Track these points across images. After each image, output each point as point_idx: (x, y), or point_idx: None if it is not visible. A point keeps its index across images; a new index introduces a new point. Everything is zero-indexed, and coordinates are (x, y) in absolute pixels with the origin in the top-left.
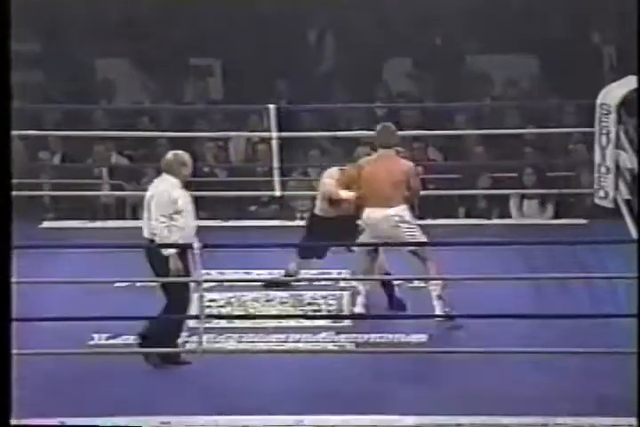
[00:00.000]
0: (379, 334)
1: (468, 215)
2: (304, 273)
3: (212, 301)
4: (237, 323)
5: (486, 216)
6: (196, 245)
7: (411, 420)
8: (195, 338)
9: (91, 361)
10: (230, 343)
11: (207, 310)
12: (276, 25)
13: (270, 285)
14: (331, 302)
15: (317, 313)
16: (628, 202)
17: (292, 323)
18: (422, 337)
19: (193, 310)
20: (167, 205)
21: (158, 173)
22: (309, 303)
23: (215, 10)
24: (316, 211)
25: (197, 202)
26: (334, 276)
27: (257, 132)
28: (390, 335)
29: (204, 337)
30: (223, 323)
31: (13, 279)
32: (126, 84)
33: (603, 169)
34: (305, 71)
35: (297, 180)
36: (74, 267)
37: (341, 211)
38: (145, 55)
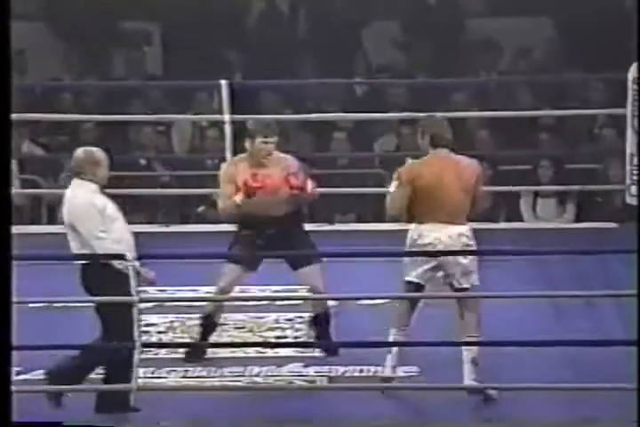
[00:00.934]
0: (357, 367)
1: (467, 218)
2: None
3: (149, 325)
4: (182, 353)
5: (492, 219)
6: (130, 255)
7: None
8: None
9: None
10: (173, 378)
11: (144, 337)
12: None
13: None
14: (298, 326)
15: (282, 340)
16: None
17: (250, 353)
18: (412, 369)
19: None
20: (97, 218)
21: None
22: (272, 328)
23: None
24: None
25: (132, 203)
26: (301, 294)
27: (205, 114)
28: (372, 368)
29: (140, 371)
30: (164, 353)
31: None
32: (42, 54)
33: (637, 160)
34: (264, 39)
35: None
36: None
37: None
38: (65, 18)
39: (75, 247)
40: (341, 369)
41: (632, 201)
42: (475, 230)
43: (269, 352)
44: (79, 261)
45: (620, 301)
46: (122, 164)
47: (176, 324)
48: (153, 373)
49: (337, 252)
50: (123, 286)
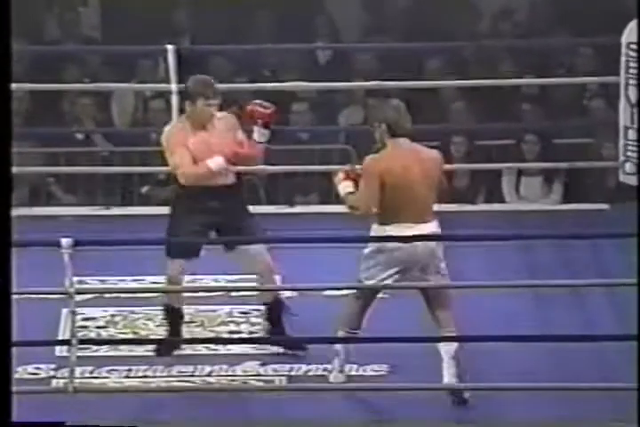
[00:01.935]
0: (321, 365)
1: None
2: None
3: (88, 319)
4: (124, 350)
5: (469, 200)
6: (65, 241)
7: None
8: (64, 372)
9: None
10: (114, 379)
11: (81, 333)
12: None
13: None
14: (254, 320)
15: (236, 336)
16: None
17: (200, 350)
18: (382, 368)
19: (62, 332)
20: None
21: None
22: (225, 322)
23: None
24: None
25: (68, 182)
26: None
27: (149, 83)
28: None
29: (78, 370)
30: (104, 350)
31: None
32: None
33: (631, 134)
34: None
35: None
36: None
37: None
38: None
39: None
40: (304, 368)
41: (626, 179)
42: (450, 213)
43: (222, 349)
44: None
45: (611, 290)
46: (56, 138)
47: (118, 318)
48: (91, 372)
49: (297, 237)
50: None
